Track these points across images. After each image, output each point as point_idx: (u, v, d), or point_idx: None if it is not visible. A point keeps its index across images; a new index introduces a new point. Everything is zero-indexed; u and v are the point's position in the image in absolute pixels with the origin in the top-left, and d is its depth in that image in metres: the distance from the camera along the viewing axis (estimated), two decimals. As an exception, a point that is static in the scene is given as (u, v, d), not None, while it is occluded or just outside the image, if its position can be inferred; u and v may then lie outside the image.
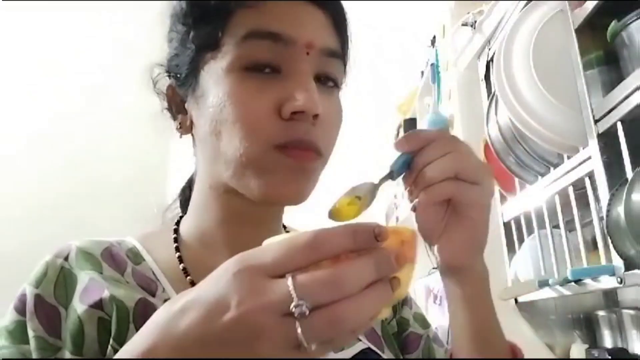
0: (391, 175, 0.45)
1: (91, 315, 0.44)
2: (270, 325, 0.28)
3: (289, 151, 0.46)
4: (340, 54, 0.51)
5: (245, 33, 0.46)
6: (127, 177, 1.91)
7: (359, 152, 3.38)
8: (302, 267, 0.30)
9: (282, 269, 0.30)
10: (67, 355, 0.43)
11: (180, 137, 0.55)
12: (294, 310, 0.28)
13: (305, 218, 0.62)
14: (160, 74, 0.56)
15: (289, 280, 0.29)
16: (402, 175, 0.46)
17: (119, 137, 1.91)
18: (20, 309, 0.46)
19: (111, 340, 0.43)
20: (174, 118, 0.55)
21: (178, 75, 0.52)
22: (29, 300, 0.46)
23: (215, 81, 0.47)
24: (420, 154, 0.44)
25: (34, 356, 0.43)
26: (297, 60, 0.47)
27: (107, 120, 1.95)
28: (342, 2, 0.54)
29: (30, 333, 0.44)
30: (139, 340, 0.32)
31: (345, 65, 0.55)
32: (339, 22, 0.52)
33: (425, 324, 0.62)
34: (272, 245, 0.31)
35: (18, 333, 0.44)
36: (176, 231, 0.56)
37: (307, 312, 0.28)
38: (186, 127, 0.53)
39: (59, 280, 0.47)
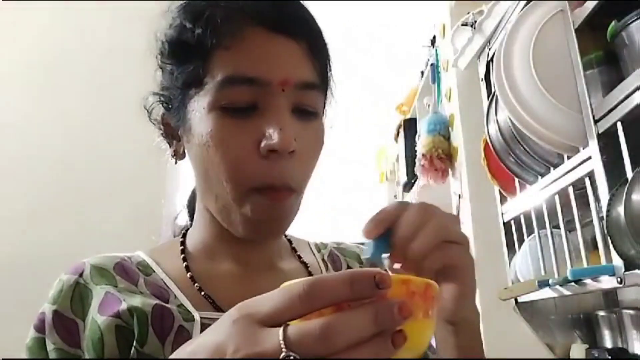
0: (369, 260, 0.44)
1: (110, 325, 0.46)
2: None
3: (266, 192, 0.49)
4: (318, 84, 0.53)
5: (222, 78, 0.48)
6: (126, 178, 1.91)
7: (359, 152, 3.38)
8: (299, 317, 0.29)
9: (278, 318, 0.30)
10: None
11: (175, 163, 0.58)
12: None
13: (315, 227, 0.63)
14: (155, 102, 0.58)
15: (280, 331, 0.28)
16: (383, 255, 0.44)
17: (119, 137, 1.91)
18: (39, 327, 0.48)
19: (134, 343, 0.46)
20: (169, 145, 0.58)
21: (170, 106, 0.55)
22: (47, 316, 0.48)
23: (199, 118, 0.50)
24: (399, 234, 0.43)
25: None
26: (272, 98, 0.49)
27: (107, 120, 1.95)
28: (320, 31, 0.55)
29: (50, 346, 0.46)
30: None
31: (326, 92, 0.57)
32: (316, 50, 0.53)
33: None
34: (273, 294, 0.31)
35: (36, 349, 0.47)
36: (183, 243, 0.58)
37: None
38: (179, 154, 0.57)
39: (74, 295, 0.49)
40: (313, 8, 0.55)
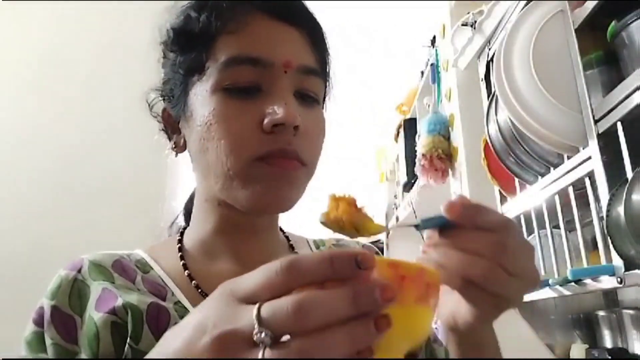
0: (417, 227, 0.41)
1: (105, 321, 0.47)
2: (237, 352, 0.28)
3: (271, 160, 0.48)
4: (318, 71, 0.54)
5: (226, 59, 0.49)
6: (126, 177, 1.91)
7: (359, 152, 3.38)
8: (279, 295, 0.28)
9: (255, 296, 0.29)
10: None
11: (176, 156, 0.59)
12: (255, 338, 0.27)
13: (306, 225, 0.63)
14: (156, 98, 0.59)
15: (255, 308, 0.28)
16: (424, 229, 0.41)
17: (119, 137, 1.91)
18: (38, 321, 0.48)
19: (128, 340, 0.46)
20: (170, 138, 0.59)
21: (171, 98, 0.56)
22: (46, 311, 0.48)
23: (201, 102, 0.50)
24: (469, 220, 0.38)
25: None
26: (275, 79, 0.50)
27: (108, 119, 1.95)
28: (318, 21, 0.57)
29: (48, 341, 0.47)
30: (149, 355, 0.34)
31: (326, 81, 0.58)
32: (315, 40, 0.54)
33: None
34: (255, 272, 0.30)
35: (35, 344, 0.47)
36: (180, 241, 0.59)
37: (269, 342, 0.27)
38: (180, 147, 0.57)
39: (73, 291, 0.50)
40: (313, 8, 0.57)
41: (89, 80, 2.00)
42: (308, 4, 0.56)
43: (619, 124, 0.80)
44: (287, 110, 0.47)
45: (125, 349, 0.45)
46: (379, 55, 2.55)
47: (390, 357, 0.31)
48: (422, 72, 2.09)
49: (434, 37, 1.95)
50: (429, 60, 1.98)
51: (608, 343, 1.19)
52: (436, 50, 1.88)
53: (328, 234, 0.71)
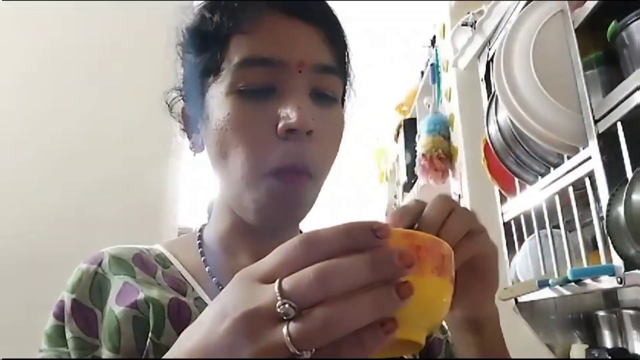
0: None
1: (127, 315, 0.46)
2: (262, 330, 0.28)
3: (282, 176, 0.48)
4: (336, 68, 0.52)
5: (239, 60, 0.49)
6: (126, 177, 1.91)
7: (359, 152, 3.38)
8: (298, 270, 0.28)
9: (276, 274, 0.29)
10: (105, 353, 0.46)
11: (194, 155, 0.58)
12: (279, 311, 0.27)
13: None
14: (176, 97, 0.59)
15: (276, 283, 0.28)
16: None
17: (119, 137, 1.91)
18: (58, 315, 0.48)
19: (150, 335, 0.46)
20: (189, 138, 0.58)
21: (188, 99, 0.56)
22: (66, 305, 0.48)
23: (217, 104, 0.50)
24: (425, 225, 0.41)
25: (73, 356, 0.46)
26: (290, 79, 0.49)
27: (108, 120, 1.95)
28: (337, 17, 0.55)
29: (68, 334, 0.47)
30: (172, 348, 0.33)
31: (345, 78, 0.57)
32: (333, 37, 0.53)
33: (443, 329, 0.63)
34: (272, 253, 0.30)
35: (55, 337, 0.47)
36: (200, 237, 0.58)
37: (293, 313, 0.27)
38: (198, 146, 0.57)
39: (93, 285, 0.50)
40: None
41: (91, 79, 2.00)
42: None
43: (619, 124, 0.80)
44: (299, 115, 0.46)
45: (147, 343, 0.45)
46: (379, 55, 2.55)
47: (413, 336, 0.31)
48: (422, 72, 2.09)
49: (434, 37, 1.95)
50: (429, 60, 1.98)
51: (608, 343, 1.19)
52: (436, 50, 1.88)
53: None
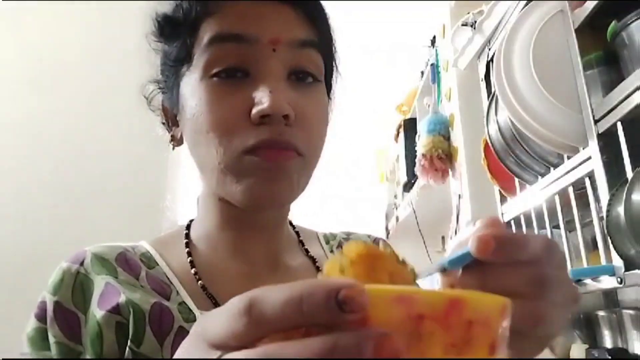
0: (443, 271, 0.34)
1: (109, 320, 0.45)
2: None
3: (260, 152, 0.45)
4: (315, 42, 0.49)
5: (208, 38, 0.46)
6: (127, 177, 1.91)
7: (359, 152, 3.38)
8: (247, 344, 0.22)
9: (223, 343, 0.23)
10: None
11: (173, 149, 0.56)
12: None
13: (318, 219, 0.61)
14: (154, 90, 0.57)
15: (219, 357, 0.23)
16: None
17: (119, 137, 1.91)
18: (40, 316, 0.46)
19: (129, 343, 0.44)
20: (168, 131, 0.56)
21: (165, 90, 0.54)
22: (48, 307, 0.46)
23: (190, 92, 0.48)
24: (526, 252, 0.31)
25: None
26: (263, 60, 0.46)
27: (108, 119, 1.95)
28: None
29: (51, 339, 0.45)
30: None
31: (328, 55, 0.53)
32: (311, 14, 0.50)
33: None
34: (222, 310, 0.23)
35: (38, 340, 0.45)
36: (187, 235, 0.56)
37: None
38: (177, 140, 0.54)
39: (76, 286, 0.48)
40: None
41: (88, 76, 2.00)
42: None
43: (619, 124, 0.80)
44: (273, 99, 0.43)
45: (127, 351, 0.44)
46: (379, 55, 2.55)
47: None
48: (422, 72, 2.09)
49: (434, 37, 1.95)
50: (429, 60, 1.98)
51: (608, 343, 1.19)
52: (436, 50, 1.88)
53: (340, 227, 0.69)
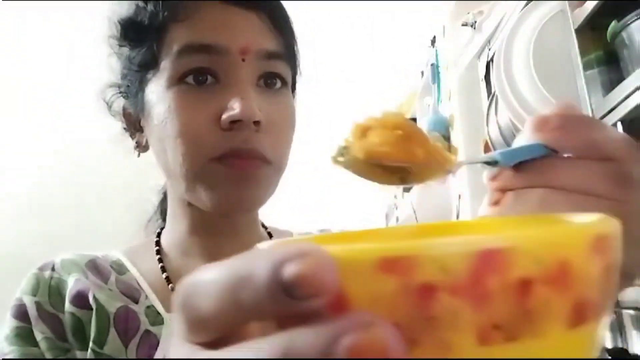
0: (493, 164, 0.27)
1: (86, 315, 0.46)
2: None
3: (227, 161, 0.45)
4: (282, 54, 0.50)
5: (178, 48, 0.46)
6: (128, 177, 1.91)
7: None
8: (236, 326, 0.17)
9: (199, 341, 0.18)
10: (79, 356, 0.45)
11: (138, 155, 0.55)
12: None
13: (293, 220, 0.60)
14: (114, 94, 0.55)
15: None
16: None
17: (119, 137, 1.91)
18: (20, 316, 0.46)
19: (91, 344, 0.44)
20: (132, 137, 0.55)
21: (128, 95, 0.53)
22: (30, 307, 0.46)
23: (157, 98, 0.47)
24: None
25: (47, 356, 0.44)
26: (233, 68, 0.46)
27: (108, 119, 1.95)
28: (280, 2, 0.53)
29: (39, 336, 0.45)
30: None
31: (294, 64, 0.54)
32: (277, 22, 0.50)
33: None
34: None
35: (22, 338, 0.45)
36: (158, 243, 0.56)
37: None
38: (142, 146, 0.54)
39: (51, 289, 0.48)
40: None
41: (87, 76, 2.00)
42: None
43: (619, 124, 0.80)
44: (244, 105, 0.44)
45: (89, 352, 0.44)
46: (379, 55, 2.55)
47: None
48: (422, 72, 2.09)
49: (434, 37, 1.95)
50: (429, 60, 1.98)
51: (608, 343, 1.19)
52: (436, 50, 1.88)
53: (316, 226, 0.68)
